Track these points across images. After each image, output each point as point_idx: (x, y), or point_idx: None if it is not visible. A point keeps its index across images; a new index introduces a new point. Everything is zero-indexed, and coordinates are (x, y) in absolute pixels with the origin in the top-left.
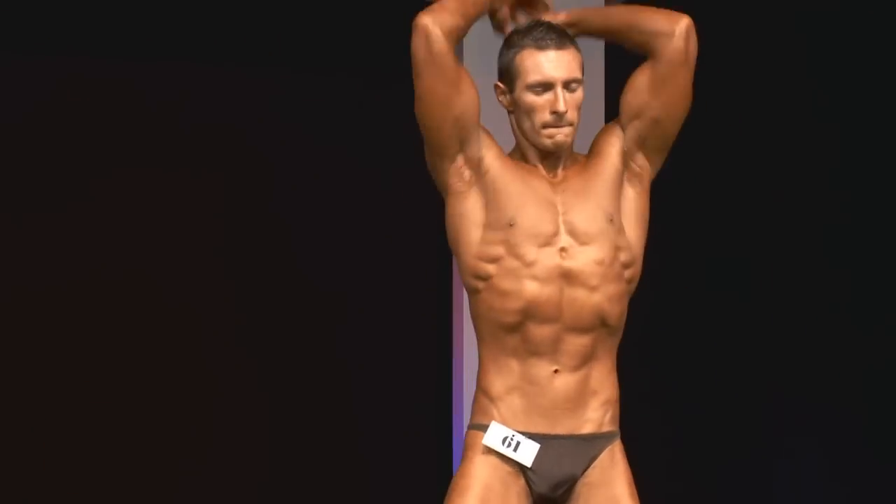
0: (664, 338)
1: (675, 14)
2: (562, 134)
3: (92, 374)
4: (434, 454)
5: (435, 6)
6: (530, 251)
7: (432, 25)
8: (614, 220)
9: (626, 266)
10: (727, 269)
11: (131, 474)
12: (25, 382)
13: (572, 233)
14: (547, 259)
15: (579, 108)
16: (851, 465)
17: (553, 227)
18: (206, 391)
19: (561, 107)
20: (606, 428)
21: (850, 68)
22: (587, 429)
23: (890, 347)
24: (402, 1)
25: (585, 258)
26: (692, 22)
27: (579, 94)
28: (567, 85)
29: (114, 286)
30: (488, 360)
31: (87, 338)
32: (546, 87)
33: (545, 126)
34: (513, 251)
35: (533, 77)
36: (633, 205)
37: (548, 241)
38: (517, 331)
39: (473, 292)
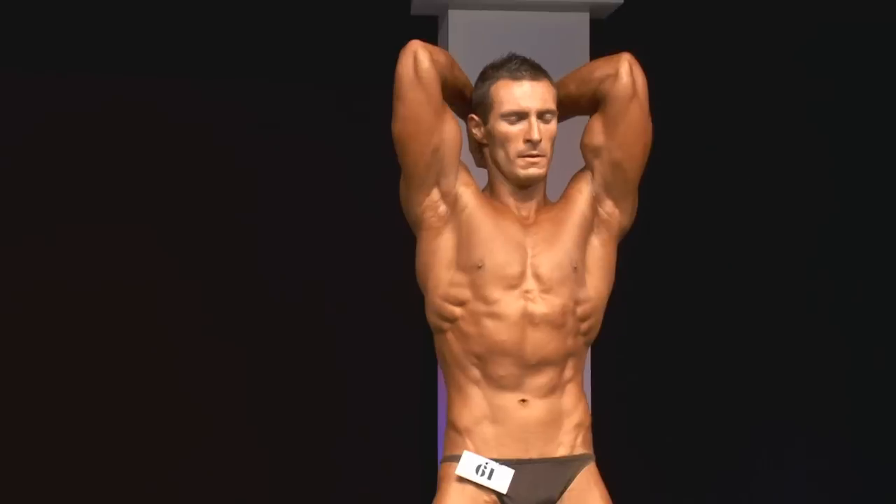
0: (642, 349)
1: (614, 56)
2: (536, 166)
3: (77, 376)
4: (418, 483)
5: (428, 44)
6: (496, 293)
7: (423, 51)
8: (578, 269)
9: (582, 319)
10: (707, 276)
11: (117, 467)
12: (8, 386)
13: (537, 277)
14: (511, 302)
15: (553, 141)
16: (836, 476)
17: (520, 269)
18: (192, 396)
19: (535, 135)
20: (579, 451)
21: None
22: (560, 452)
23: (874, 357)
24: (380, 12)
25: (547, 304)
26: (633, 57)
27: (553, 125)
28: (541, 115)
29: (98, 289)
30: (454, 394)
31: (75, 340)
32: (520, 116)
33: (520, 155)
34: (479, 293)
35: (507, 107)
36: (598, 254)
37: (513, 284)
38: (480, 367)
39: (438, 331)
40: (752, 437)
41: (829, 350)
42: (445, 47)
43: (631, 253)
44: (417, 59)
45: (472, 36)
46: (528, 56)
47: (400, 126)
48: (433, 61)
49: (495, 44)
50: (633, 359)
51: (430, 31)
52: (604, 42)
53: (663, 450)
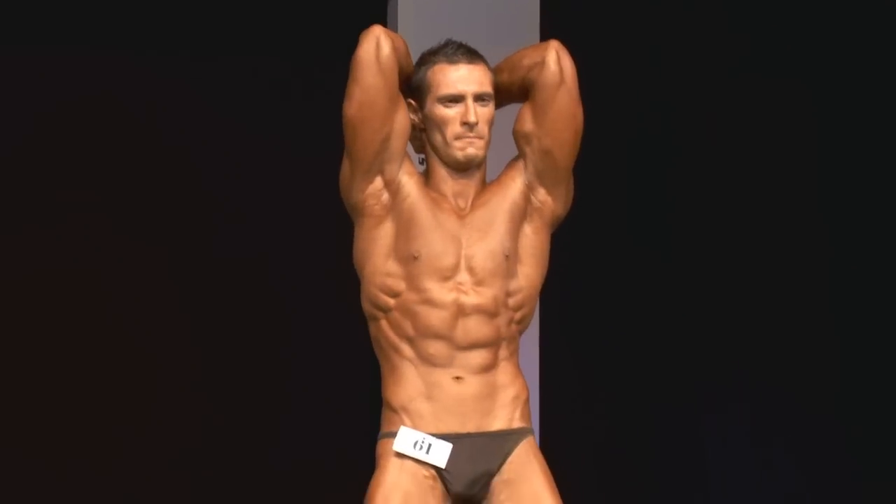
0: (587, 298)
1: (542, 43)
2: (473, 147)
3: (28, 348)
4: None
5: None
6: (429, 284)
7: (385, 36)
8: (510, 257)
9: (515, 308)
10: (650, 226)
11: (65, 432)
12: None
13: (470, 269)
14: (444, 293)
15: (490, 124)
16: (782, 420)
17: (454, 261)
18: (140, 366)
19: (472, 117)
20: (517, 424)
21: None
22: (497, 425)
23: (820, 306)
24: None
25: (479, 296)
26: (560, 44)
27: (490, 109)
28: (478, 98)
29: (50, 264)
30: (388, 373)
31: (24, 311)
32: (457, 99)
33: (457, 137)
34: (413, 284)
35: (444, 90)
36: (531, 242)
37: (447, 276)
38: (413, 347)
39: (372, 318)
40: (700, 398)
41: (775, 301)
42: (394, 21)
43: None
44: (379, 44)
45: (420, 10)
46: (476, 33)
47: (354, 110)
48: (394, 48)
49: (444, 19)
50: (575, 311)
51: (379, 5)
52: (555, 19)
53: (614, 424)
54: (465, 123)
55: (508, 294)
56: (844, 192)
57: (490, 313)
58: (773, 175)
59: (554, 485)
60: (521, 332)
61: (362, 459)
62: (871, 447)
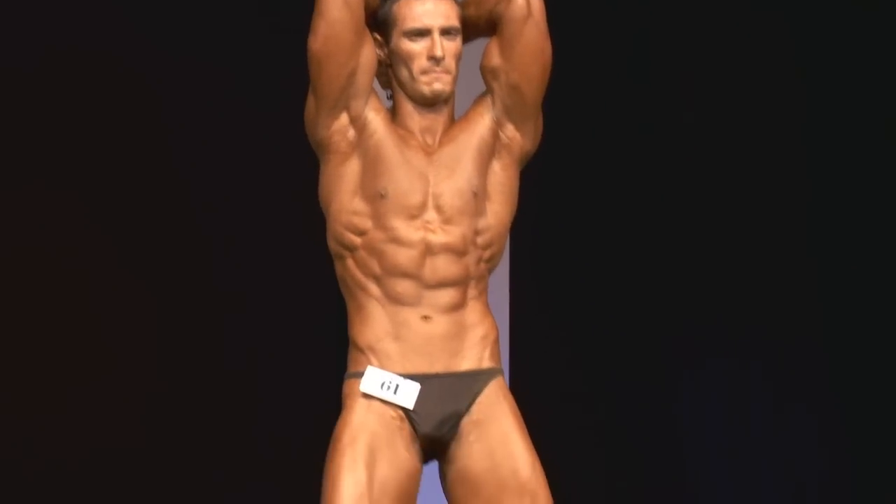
0: (558, 237)
1: None
2: (440, 82)
3: None
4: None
5: None
6: (397, 223)
7: None
8: (478, 195)
9: (484, 247)
10: (624, 162)
11: (19, 398)
12: None
13: (438, 208)
14: (412, 232)
15: (458, 59)
16: (754, 387)
17: (422, 199)
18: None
19: (438, 52)
20: (486, 364)
21: None
22: (466, 366)
23: (797, 267)
24: None
25: (448, 234)
26: None
27: (458, 43)
28: (444, 32)
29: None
30: (354, 313)
31: None
32: (423, 33)
33: (423, 72)
34: (380, 223)
35: (410, 24)
36: (499, 179)
37: (414, 214)
38: (380, 286)
39: (338, 257)
40: (677, 345)
41: (752, 261)
42: None
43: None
44: None
45: None
46: None
47: (319, 45)
48: None
49: None
50: (547, 267)
51: None
52: None
53: (579, 356)
54: (431, 58)
55: (477, 232)
56: (828, 132)
57: (458, 252)
58: (753, 110)
59: (523, 425)
60: (490, 271)
61: (329, 399)
62: (854, 400)
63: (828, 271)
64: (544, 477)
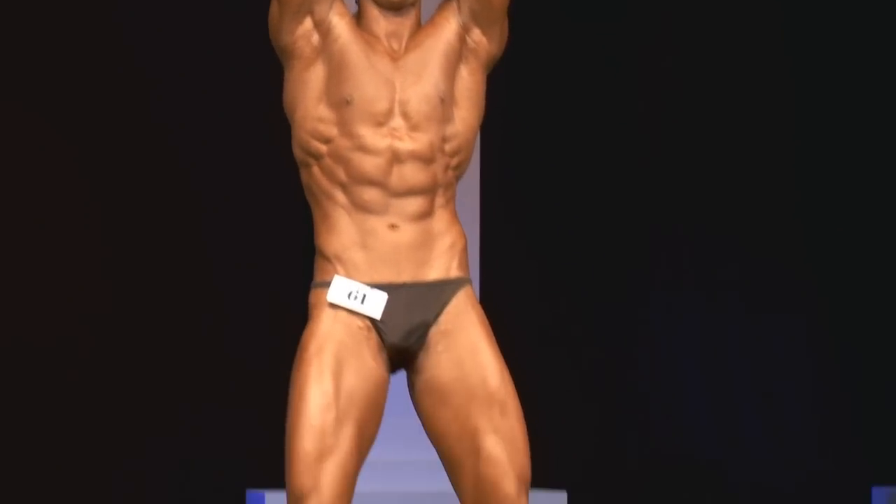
0: (529, 144)
1: None
2: None
3: None
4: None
5: None
6: (363, 130)
7: None
8: (445, 100)
9: (451, 154)
10: (598, 65)
11: None
12: None
13: (405, 114)
14: (378, 139)
15: None
16: (730, 296)
17: (388, 106)
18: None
19: None
20: (454, 274)
21: None
22: (434, 275)
23: (773, 182)
24: None
25: (415, 141)
26: None
27: None
28: None
29: None
30: (320, 221)
31: None
32: None
33: None
34: (346, 130)
35: None
36: (467, 84)
37: (381, 121)
38: (346, 194)
39: (303, 165)
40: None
41: (723, 175)
42: None
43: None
44: None
45: None
46: None
47: None
48: None
49: None
50: (519, 182)
51: None
52: None
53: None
54: None
55: (444, 139)
56: (807, 50)
57: (426, 159)
58: (734, 29)
59: (492, 335)
60: (457, 178)
61: (296, 309)
62: (829, 312)
63: (805, 188)
64: (513, 386)
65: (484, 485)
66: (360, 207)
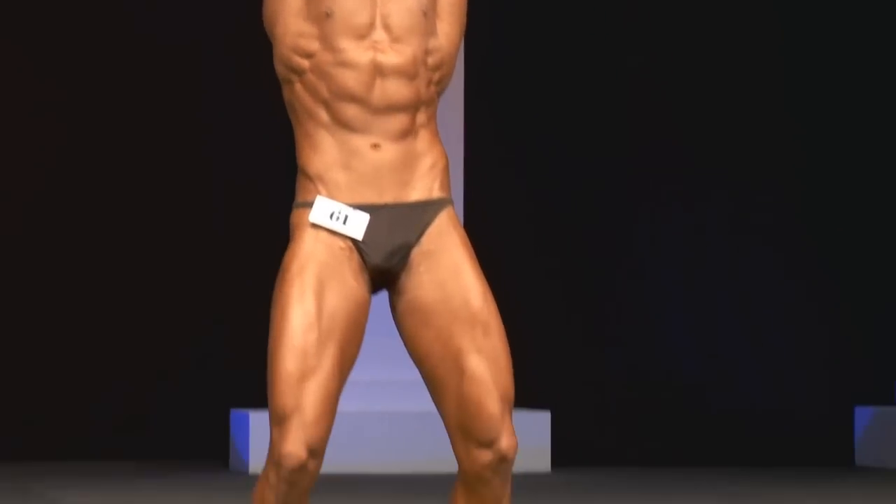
0: (514, 61)
1: None
2: None
3: None
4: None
5: None
6: (344, 44)
7: None
8: (428, 14)
9: (434, 69)
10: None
11: None
12: None
13: (387, 27)
14: (360, 52)
15: None
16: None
17: (369, 19)
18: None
19: None
20: (436, 194)
21: None
22: (415, 196)
23: (757, 102)
24: None
25: (397, 54)
26: None
27: None
28: None
29: None
30: (303, 139)
31: None
32: None
33: None
34: (327, 44)
35: None
36: None
37: (362, 34)
38: (329, 112)
39: (285, 81)
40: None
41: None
42: None
43: None
44: None
45: None
46: None
47: None
48: None
49: None
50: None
51: None
52: None
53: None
54: None
55: (427, 53)
56: None
57: (409, 75)
58: None
59: (474, 256)
60: (439, 95)
61: (280, 230)
62: (810, 231)
63: (793, 112)
64: (496, 307)
65: (467, 404)
66: (343, 125)
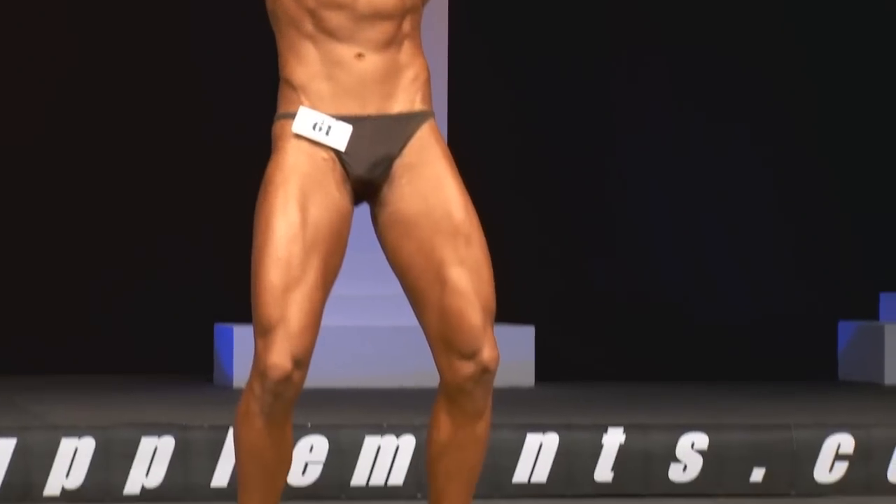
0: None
1: None
2: None
3: None
4: None
5: None
6: None
7: None
8: None
9: None
10: None
11: None
12: None
13: None
14: None
15: None
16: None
17: None
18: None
19: None
20: (418, 107)
21: None
22: (398, 108)
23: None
24: None
25: None
26: None
27: None
28: None
29: None
30: (286, 49)
31: None
32: None
33: None
34: None
35: None
36: None
37: None
38: (313, 21)
39: None
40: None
41: None
42: None
43: None
44: None
45: None
46: None
47: None
48: None
49: None
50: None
51: None
52: None
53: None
54: None
55: None
56: None
57: None
58: None
59: (456, 169)
60: (423, 3)
61: (262, 140)
62: (796, 143)
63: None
64: (477, 220)
65: (449, 316)
66: (327, 34)
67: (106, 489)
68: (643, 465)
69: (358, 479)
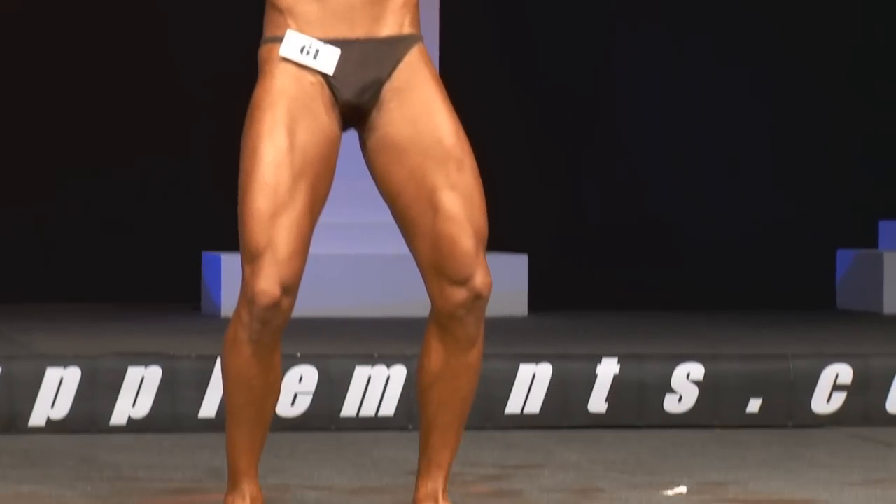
0: None
1: None
2: None
3: None
4: None
5: None
6: None
7: None
8: None
9: None
10: None
11: None
12: None
13: None
14: None
15: None
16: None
17: None
18: None
19: None
20: (407, 31)
21: None
22: (387, 31)
23: None
24: None
25: None
26: None
27: None
28: None
29: None
30: None
31: None
32: None
33: None
34: None
35: None
36: None
37: None
38: None
39: None
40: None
41: None
42: None
43: None
44: None
45: None
46: None
47: None
48: None
49: None
50: None
51: None
52: None
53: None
54: None
55: None
56: None
57: None
58: None
59: (445, 93)
60: None
61: (247, 65)
62: (792, 67)
63: None
64: (469, 145)
65: (441, 242)
66: None
67: (92, 419)
68: (638, 395)
69: (348, 409)
